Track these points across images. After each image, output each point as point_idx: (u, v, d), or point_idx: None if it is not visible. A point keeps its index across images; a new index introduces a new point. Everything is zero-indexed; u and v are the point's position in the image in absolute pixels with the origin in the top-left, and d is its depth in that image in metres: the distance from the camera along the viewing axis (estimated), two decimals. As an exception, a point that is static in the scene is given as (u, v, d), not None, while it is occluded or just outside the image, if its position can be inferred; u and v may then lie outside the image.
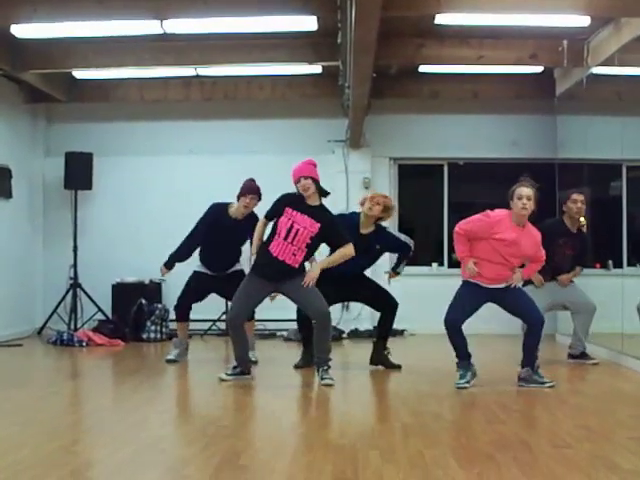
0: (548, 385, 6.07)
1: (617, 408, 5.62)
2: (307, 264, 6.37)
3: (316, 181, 6.22)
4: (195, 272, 7.53)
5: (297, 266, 6.18)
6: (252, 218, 7.01)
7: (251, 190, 7.25)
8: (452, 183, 10.70)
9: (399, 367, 7.07)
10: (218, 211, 7.40)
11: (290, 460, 4.04)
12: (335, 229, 6.25)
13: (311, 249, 6.25)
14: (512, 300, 6.16)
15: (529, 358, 6.12)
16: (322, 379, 6.19)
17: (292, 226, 6.13)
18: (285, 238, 6.12)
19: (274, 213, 6.29)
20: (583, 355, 7.41)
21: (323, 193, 6.28)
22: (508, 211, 6.01)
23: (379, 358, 7.12)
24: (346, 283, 6.87)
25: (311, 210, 6.19)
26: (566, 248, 7.34)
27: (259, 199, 7.29)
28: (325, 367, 6.23)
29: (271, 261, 6.15)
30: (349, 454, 4.18)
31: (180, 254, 7.55)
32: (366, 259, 6.96)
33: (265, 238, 6.31)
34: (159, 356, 8.77)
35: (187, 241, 7.53)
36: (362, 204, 6.98)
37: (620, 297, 7.80)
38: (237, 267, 7.51)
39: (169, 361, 7.48)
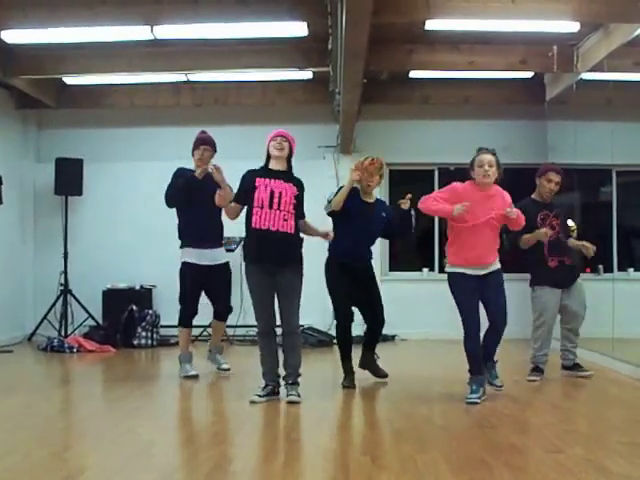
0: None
1: (608, 412, 5.64)
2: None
3: (291, 149, 5.87)
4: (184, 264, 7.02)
5: (292, 231, 5.70)
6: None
7: (203, 141, 6.85)
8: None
9: (386, 376, 6.81)
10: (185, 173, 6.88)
11: (281, 466, 4.03)
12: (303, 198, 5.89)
13: (297, 212, 5.79)
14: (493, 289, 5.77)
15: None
16: (288, 395, 5.77)
17: (273, 192, 5.68)
18: (270, 207, 5.65)
19: (245, 190, 5.80)
20: (576, 366, 6.95)
21: (290, 166, 5.90)
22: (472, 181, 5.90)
23: (369, 365, 6.88)
24: (360, 281, 6.57)
25: (282, 174, 5.79)
26: (549, 224, 6.83)
27: (214, 150, 6.91)
28: (291, 381, 5.83)
29: (263, 237, 5.66)
30: (340, 460, 4.18)
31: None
32: (376, 228, 6.66)
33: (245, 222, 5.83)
34: (150, 362, 8.77)
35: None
36: (359, 181, 6.63)
37: (611, 301, 7.82)
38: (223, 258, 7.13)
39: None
